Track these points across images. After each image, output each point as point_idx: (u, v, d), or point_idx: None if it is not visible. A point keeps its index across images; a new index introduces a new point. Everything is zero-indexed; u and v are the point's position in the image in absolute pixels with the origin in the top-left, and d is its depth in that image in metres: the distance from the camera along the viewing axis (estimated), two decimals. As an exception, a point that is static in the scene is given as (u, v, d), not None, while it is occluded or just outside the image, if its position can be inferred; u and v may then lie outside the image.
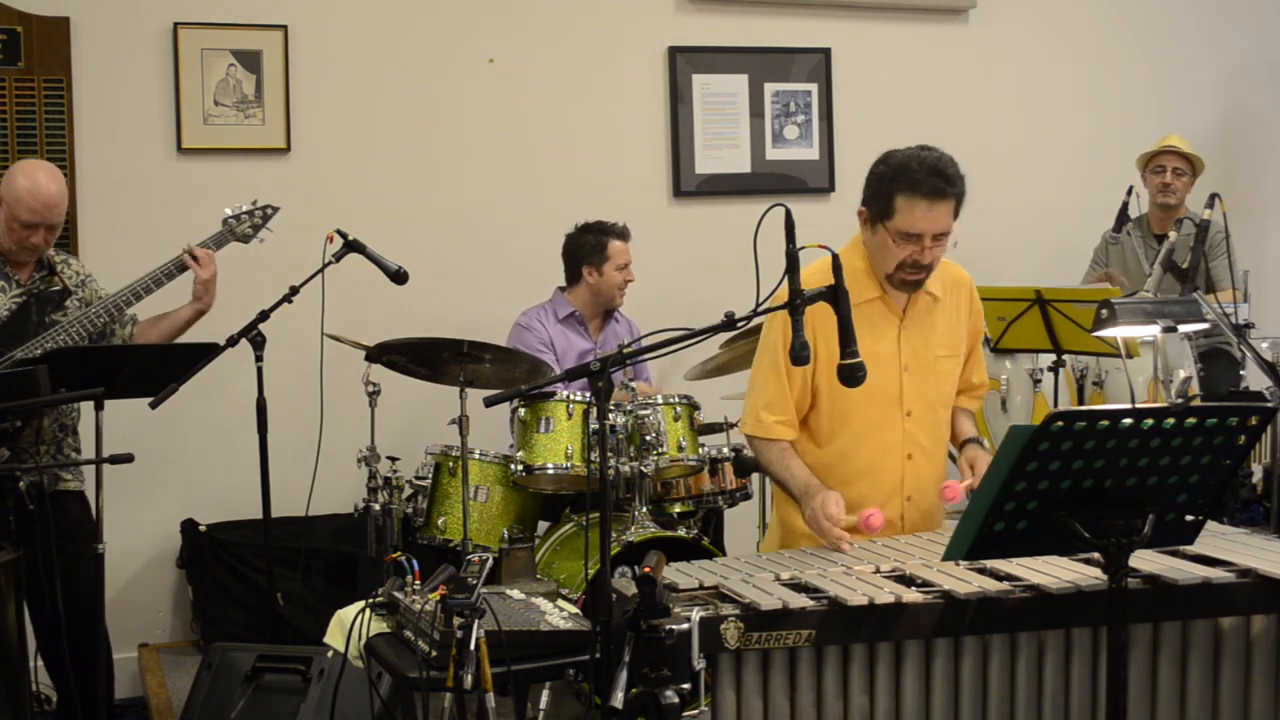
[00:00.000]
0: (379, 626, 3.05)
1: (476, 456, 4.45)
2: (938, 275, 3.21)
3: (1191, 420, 2.32)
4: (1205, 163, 5.61)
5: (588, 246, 4.95)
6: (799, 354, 2.68)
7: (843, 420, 3.22)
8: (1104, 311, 4.13)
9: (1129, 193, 5.32)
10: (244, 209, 4.28)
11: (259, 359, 4.24)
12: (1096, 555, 2.43)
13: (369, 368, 4.47)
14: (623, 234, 4.97)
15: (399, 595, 3.03)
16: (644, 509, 4.39)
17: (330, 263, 4.31)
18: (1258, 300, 5.97)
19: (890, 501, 3.22)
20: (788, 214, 2.73)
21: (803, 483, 3.17)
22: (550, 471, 4.34)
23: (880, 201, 3.10)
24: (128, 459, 4.01)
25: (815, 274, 2.91)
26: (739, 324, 2.72)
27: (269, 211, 4.31)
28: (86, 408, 4.11)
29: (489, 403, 2.81)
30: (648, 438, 4.32)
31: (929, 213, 3.04)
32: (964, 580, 2.64)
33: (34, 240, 3.95)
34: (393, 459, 4.63)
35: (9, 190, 3.94)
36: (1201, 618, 2.67)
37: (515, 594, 3.17)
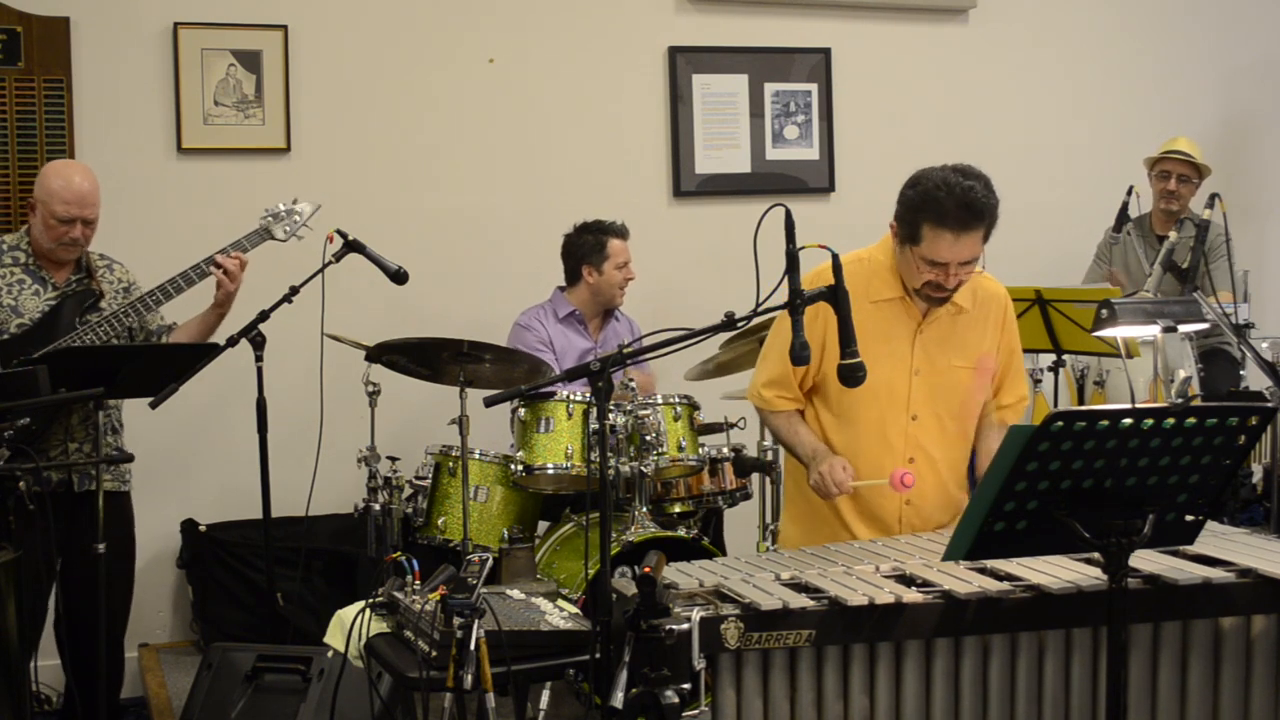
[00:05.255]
0: (379, 626, 3.05)
1: (476, 456, 4.44)
2: (969, 286, 3.20)
3: (1191, 420, 2.32)
4: (1209, 165, 5.59)
5: (587, 246, 4.96)
6: (799, 354, 2.69)
7: (848, 418, 3.23)
8: (1104, 311, 4.13)
9: (1129, 193, 5.30)
10: (282, 208, 4.31)
11: (259, 359, 4.24)
12: (1096, 555, 2.43)
13: (369, 368, 4.48)
14: (621, 233, 4.98)
15: (399, 595, 3.03)
16: (644, 509, 4.38)
17: (330, 263, 4.31)
18: (1258, 300, 5.96)
19: (889, 502, 3.23)
20: (788, 214, 2.74)
21: (810, 446, 3.23)
22: (550, 471, 4.34)
23: (908, 227, 3.09)
24: (128, 459, 4.02)
25: (818, 276, 2.92)
26: (739, 324, 2.72)
27: (306, 210, 4.34)
28: (129, 405, 4.21)
29: (489, 403, 2.81)
30: (648, 438, 4.31)
31: (954, 244, 3.03)
32: (964, 580, 2.64)
33: (72, 235, 4.04)
34: (393, 459, 4.63)
35: (41, 189, 4.04)
36: (1201, 618, 2.67)
37: (515, 594, 3.17)
